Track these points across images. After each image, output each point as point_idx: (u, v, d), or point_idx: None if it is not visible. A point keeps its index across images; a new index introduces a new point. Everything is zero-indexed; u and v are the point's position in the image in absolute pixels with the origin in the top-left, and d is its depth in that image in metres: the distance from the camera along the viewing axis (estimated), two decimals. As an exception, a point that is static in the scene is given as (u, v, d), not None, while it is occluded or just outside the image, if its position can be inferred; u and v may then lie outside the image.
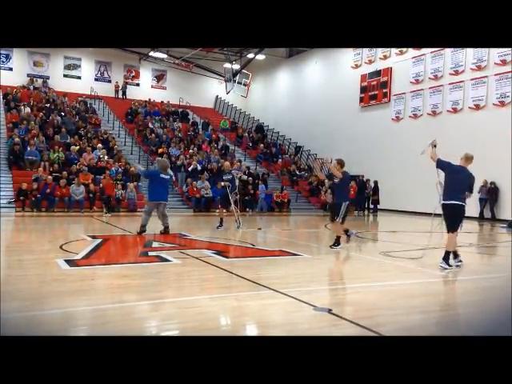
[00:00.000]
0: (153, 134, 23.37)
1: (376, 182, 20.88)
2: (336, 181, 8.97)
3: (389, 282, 6.08)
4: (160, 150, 21.68)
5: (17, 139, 18.38)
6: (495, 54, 17.79)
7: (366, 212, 21.00)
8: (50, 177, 16.60)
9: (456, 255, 7.02)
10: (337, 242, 8.85)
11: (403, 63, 21.61)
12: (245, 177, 20.71)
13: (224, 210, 12.05)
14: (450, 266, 6.79)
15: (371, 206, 21.09)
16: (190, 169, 20.26)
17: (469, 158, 7.09)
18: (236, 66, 27.60)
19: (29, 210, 15.64)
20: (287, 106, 29.18)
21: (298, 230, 14.47)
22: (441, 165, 7.12)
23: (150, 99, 29.01)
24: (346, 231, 9.15)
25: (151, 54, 28.63)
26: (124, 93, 29.99)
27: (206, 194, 18.60)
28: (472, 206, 17.56)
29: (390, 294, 5.34)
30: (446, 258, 6.82)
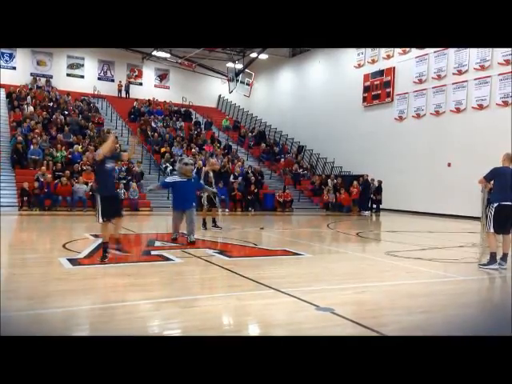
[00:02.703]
0: (155, 134, 23.39)
1: (380, 182, 20.81)
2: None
3: (392, 281, 6.07)
4: (162, 150, 21.72)
5: (20, 138, 18.43)
6: (499, 53, 17.73)
7: (369, 212, 20.96)
8: (49, 175, 16.62)
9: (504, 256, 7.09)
10: (105, 252, 6.58)
11: (406, 63, 21.55)
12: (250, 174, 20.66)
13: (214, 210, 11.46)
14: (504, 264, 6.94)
15: (374, 206, 21.04)
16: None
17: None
18: (239, 66, 27.61)
19: (35, 208, 15.69)
20: (290, 105, 29.14)
21: (300, 229, 14.45)
22: (489, 178, 7.29)
23: (152, 98, 29.05)
24: (116, 241, 6.98)
25: (154, 53, 28.65)
26: (127, 92, 30.04)
27: (209, 193, 18.56)
28: (476, 206, 17.55)
29: (392, 294, 5.33)
30: (503, 259, 7.01)
